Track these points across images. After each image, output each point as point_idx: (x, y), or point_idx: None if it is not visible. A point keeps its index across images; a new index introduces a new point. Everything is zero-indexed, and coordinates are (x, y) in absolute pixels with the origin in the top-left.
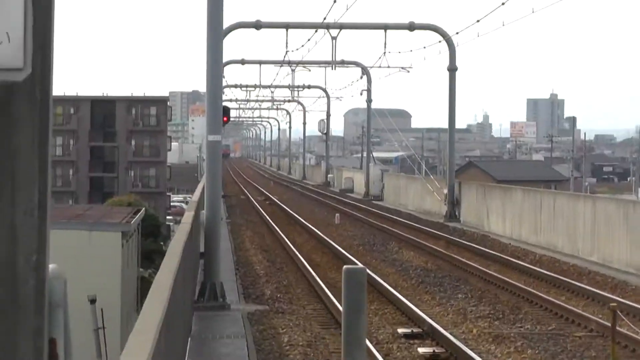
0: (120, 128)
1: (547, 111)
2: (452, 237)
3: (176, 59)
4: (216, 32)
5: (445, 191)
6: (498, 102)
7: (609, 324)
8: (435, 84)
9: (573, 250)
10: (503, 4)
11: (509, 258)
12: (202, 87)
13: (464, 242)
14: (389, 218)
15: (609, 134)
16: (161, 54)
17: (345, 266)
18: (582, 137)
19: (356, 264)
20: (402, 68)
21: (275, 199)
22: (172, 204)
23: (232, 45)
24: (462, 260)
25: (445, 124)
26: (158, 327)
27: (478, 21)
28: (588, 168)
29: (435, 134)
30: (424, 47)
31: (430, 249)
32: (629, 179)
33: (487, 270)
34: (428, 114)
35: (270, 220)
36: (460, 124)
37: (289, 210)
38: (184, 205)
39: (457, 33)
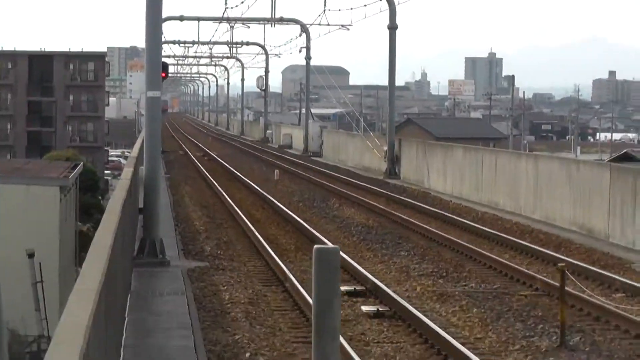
0: (58, 83)
1: (486, 70)
2: (392, 194)
3: (114, 14)
4: None
5: (385, 148)
6: (436, 60)
7: (555, 283)
8: (374, 42)
9: (515, 208)
10: None
11: (450, 215)
12: (140, 43)
13: (404, 199)
14: (328, 174)
15: (547, 92)
16: (99, 9)
17: (316, 246)
18: (521, 95)
19: (297, 220)
20: (342, 26)
21: (214, 155)
22: (110, 158)
23: (171, 1)
24: (404, 218)
25: (383, 82)
26: (99, 287)
27: None
28: (527, 126)
29: (373, 91)
30: (365, 5)
31: (371, 206)
32: (567, 137)
33: (429, 228)
34: (366, 72)
35: (209, 175)
36: (398, 81)
37: (227, 166)
38: (122, 160)
39: None
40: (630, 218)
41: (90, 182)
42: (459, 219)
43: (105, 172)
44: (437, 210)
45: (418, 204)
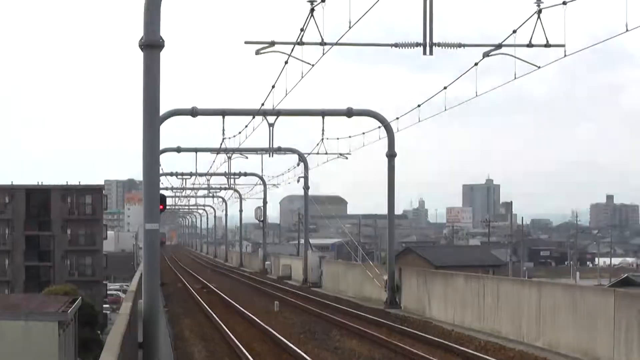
0: (56, 217)
1: (483, 196)
2: (394, 324)
3: (111, 147)
4: (153, 120)
5: (385, 277)
6: (434, 187)
7: None
8: (371, 169)
9: (518, 335)
10: (445, 88)
11: (453, 345)
12: (137, 176)
13: (406, 329)
14: (328, 305)
15: (545, 218)
16: (96, 142)
17: None
18: (519, 221)
19: (298, 353)
20: (341, 154)
21: (213, 287)
22: (108, 292)
23: (168, 132)
24: (406, 348)
25: (380, 210)
26: None
27: (419, 106)
28: (525, 252)
29: (371, 220)
30: (363, 133)
31: (372, 337)
32: (566, 262)
33: (432, 358)
34: (364, 200)
35: (208, 308)
36: (396, 210)
37: (227, 298)
38: (121, 293)
39: (397, 119)
40: (636, 344)
41: (89, 317)
42: (462, 348)
43: (104, 306)
44: (439, 339)
45: (420, 333)
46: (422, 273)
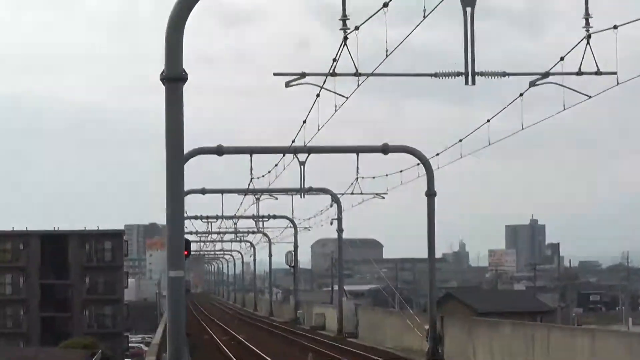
0: (73, 264)
1: (527, 238)
2: None
3: (131, 190)
4: (176, 159)
5: (427, 326)
6: (475, 229)
7: None
8: (409, 210)
9: None
10: (488, 121)
11: None
12: (160, 219)
13: None
14: (367, 358)
15: (593, 260)
16: (114, 184)
17: None
18: (567, 264)
19: None
20: (377, 194)
21: (242, 338)
22: (130, 345)
23: (193, 172)
24: None
25: (419, 254)
26: None
27: (460, 141)
28: (574, 297)
29: (409, 264)
30: (401, 172)
31: None
32: (617, 308)
33: None
34: (401, 243)
35: None
36: (436, 253)
37: (256, 350)
38: (143, 346)
39: (437, 155)
40: None
41: None
42: None
43: (125, 359)
44: None
45: None
46: (466, 321)
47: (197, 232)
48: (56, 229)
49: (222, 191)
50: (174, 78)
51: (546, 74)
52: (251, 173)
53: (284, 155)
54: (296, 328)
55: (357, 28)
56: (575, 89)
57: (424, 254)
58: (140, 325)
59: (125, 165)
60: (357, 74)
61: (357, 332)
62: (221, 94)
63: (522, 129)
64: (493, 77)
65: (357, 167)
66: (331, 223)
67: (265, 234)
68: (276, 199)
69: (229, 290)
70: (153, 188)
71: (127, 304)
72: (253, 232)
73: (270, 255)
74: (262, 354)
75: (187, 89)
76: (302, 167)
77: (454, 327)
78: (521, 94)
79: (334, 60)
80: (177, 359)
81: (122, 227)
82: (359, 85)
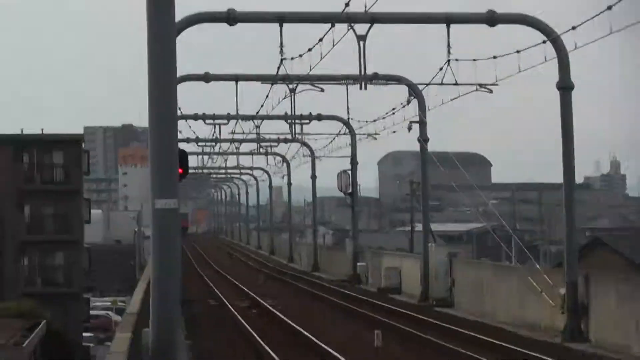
0: (4, 185)
1: None
2: None
3: (97, 82)
4: (165, 25)
5: (563, 290)
6: (635, 141)
7: None
8: (530, 112)
9: None
10: None
11: None
12: (137, 120)
13: None
14: (470, 340)
15: None
16: (74, 77)
17: None
18: None
19: None
20: (480, 86)
21: (268, 306)
22: (92, 312)
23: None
24: None
25: (547, 177)
26: None
27: (609, 8)
28: None
29: (532, 192)
30: (518, 52)
31: None
32: None
33: None
34: (517, 160)
35: (262, 343)
36: (576, 176)
37: (293, 324)
38: (112, 314)
39: (573, 28)
40: None
41: (60, 352)
42: None
43: (85, 334)
44: None
45: None
46: (625, 283)
47: (197, 140)
48: None
49: (236, 78)
50: None
51: None
52: (281, 49)
53: (332, 26)
54: (355, 290)
55: None
56: None
57: (555, 177)
58: (108, 284)
59: (87, 48)
60: None
61: (452, 298)
62: None
63: None
64: None
65: (448, 45)
66: (409, 129)
67: (305, 144)
68: (321, 90)
69: (248, 229)
70: (128, 76)
71: (89, 248)
72: (286, 141)
73: (313, 176)
74: (303, 331)
75: None
76: (361, 43)
77: (607, 291)
78: None
79: None
80: (165, 334)
81: (81, 131)
82: None
